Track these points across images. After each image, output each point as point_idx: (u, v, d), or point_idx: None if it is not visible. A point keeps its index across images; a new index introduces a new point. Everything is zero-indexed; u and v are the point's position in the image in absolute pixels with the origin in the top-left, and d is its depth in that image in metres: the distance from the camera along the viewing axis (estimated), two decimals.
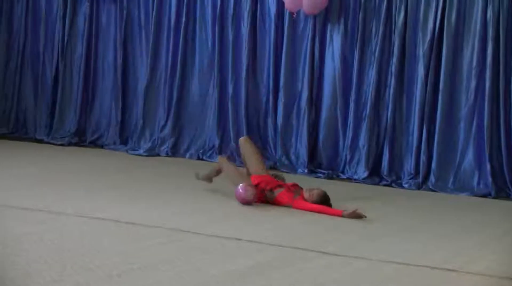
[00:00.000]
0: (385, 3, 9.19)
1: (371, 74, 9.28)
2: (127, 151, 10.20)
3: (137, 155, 10.05)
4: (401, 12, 9.13)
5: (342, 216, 6.92)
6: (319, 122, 9.61)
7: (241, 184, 7.21)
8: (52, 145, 10.39)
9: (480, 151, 8.90)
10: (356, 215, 6.90)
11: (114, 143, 10.41)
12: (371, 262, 5.56)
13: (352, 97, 9.37)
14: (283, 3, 9.47)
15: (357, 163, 9.32)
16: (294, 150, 9.66)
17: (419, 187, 8.95)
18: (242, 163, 8.02)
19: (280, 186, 7.35)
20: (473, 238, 6.58)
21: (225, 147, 9.94)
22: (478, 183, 8.87)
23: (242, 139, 8.01)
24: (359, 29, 9.31)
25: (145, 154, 10.06)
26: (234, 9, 9.84)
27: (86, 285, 4.57)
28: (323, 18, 9.49)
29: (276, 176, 7.71)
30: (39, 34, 10.80)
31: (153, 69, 10.29)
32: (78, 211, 6.51)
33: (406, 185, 9.01)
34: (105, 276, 4.78)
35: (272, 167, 9.28)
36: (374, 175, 9.23)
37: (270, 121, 9.80)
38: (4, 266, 4.85)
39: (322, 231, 6.50)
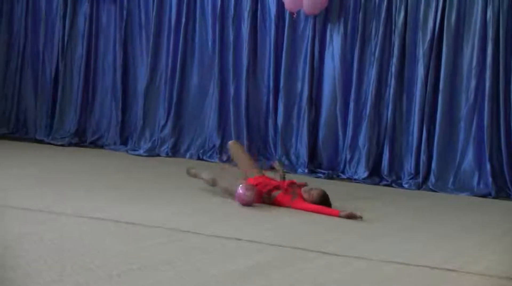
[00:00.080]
0: (385, 3, 9.19)
1: (371, 74, 9.28)
2: (127, 151, 10.20)
3: (137, 155, 10.05)
4: (401, 12, 9.13)
5: (339, 216, 6.92)
6: (319, 122, 9.62)
7: (241, 185, 7.20)
8: (52, 145, 10.40)
9: (480, 151, 8.90)
10: (353, 216, 6.90)
11: (114, 144, 10.42)
12: (371, 262, 5.56)
13: (352, 97, 9.38)
14: (283, 3, 9.47)
15: (357, 163, 9.33)
16: (294, 150, 9.66)
17: (419, 187, 8.95)
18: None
19: (277, 188, 7.32)
20: (473, 238, 6.58)
21: (225, 147, 9.93)
22: (478, 183, 8.87)
23: (231, 143, 8.01)
24: (359, 29, 9.31)
25: (145, 154, 10.07)
26: (235, 9, 9.84)
27: (86, 285, 4.57)
28: (323, 18, 9.49)
29: (272, 169, 7.65)
30: (39, 34, 10.80)
31: (153, 69, 10.29)
32: (78, 211, 6.51)
33: (406, 185, 9.02)
34: (105, 276, 4.78)
35: (273, 167, 9.26)
36: (374, 175, 9.24)
37: (270, 121, 9.80)
38: (4, 266, 4.85)
39: (322, 231, 6.50)
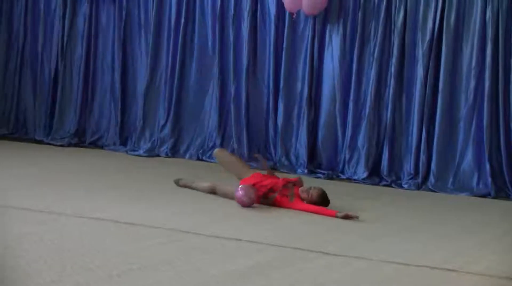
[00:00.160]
0: (384, 3, 9.19)
1: (371, 75, 9.29)
2: (126, 151, 10.20)
3: (137, 155, 10.05)
4: (400, 12, 9.13)
5: (336, 216, 6.92)
6: (319, 123, 9.62)
7: (240, 186, 7.19)
8: (51, 145, 10.39)
9: (480, 151, 8.91)
10: (349, 217, 6.90)
11: (114, 144, 10.41)
12: (371, 262, 5.56)
13: (352, 97, 9.38)
14: (283, 4, 9.47)
15: (357, 164, 9.33)
16: (294, 151, 9.66)
17: (418, 187, 8.95)
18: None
19: (272, 189, 7.29)
20: (473, 238, 6.58)
21: (225, 147, 9.93)
22: (478, 183, 8.88)
23: (217, 151, 7.94)
24: (359, 29, 9.31)
25: (145, 154, 10.07)
26: (234, 9, 9.84)
27: (86, 285, 4.57)
28: (323, 19, 9.50)
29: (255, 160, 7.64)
30: (39, 34, 10.80)
31: (153, 69, 10.29)
32: (78, 212, 6.51)
33: (405, 185, 9.02)
34: (105, 276, 4.78)
35: (272, 168, 9.28)
36: (374, 175, 9.24)
37: (270, 121, 9.80)
38: (4, 266, 4.85)
39: (322, 231, 6.50)
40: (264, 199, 7.26)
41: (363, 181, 9.16)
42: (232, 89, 9.93)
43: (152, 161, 9.83)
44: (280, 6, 9.61)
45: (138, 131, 10.35)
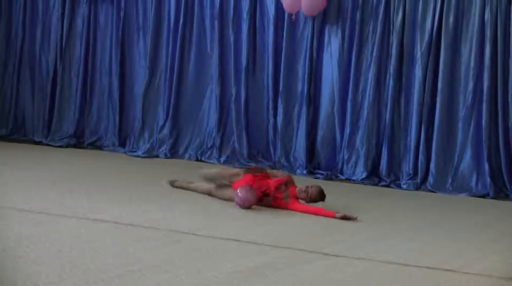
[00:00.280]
0: (383, 4, 9.19)
1: (370, 75, 9.29)
2: (126, 152, 10.20)
3: (136, 156, 10.05)
4: (399, 13, 9.13)
5: (334, 217, 6.92)
6: (318, 123, 9.62)
7: (239, 188, 7.17)
8: (50, 147, 10.38)
9: (479, 151, 8.91)
10: (347, 217, 6.90)
11: (113, 145, 10.41)
12: (371, 263, 5.56)
13: (350, 98, 9.38)
14: (281, 5, 9.47)
15: (356, 164, 9.33)
16: (293, 151, 9.66)
17: (417, 188, 8.96)
18: (242, 166, 8.01)
19: (266, 194, 7.27)
20: (472, 239, 6.58)
21: (225, 147, 9.94)
22: (477, 184, 8.88)
23: (202, 176, 7.75)
24: (357, 30, 9.31)
25: (144, 155, 10.06)
26: (234, 10, 9.83)
27: None
28: (322, 20, 9.50)
29: (257, 170, 7.55)
30: (37, 35, 10.79)
31: (152, 70, 10.29)
32: (77, 213, 6.50)
33: (404, 186, 9.02)
34: (104, 277, 4.78)
35: (271, 168, 9.27)
36: (373, 175, 9.24)
37: (270, 122, 9.79)
38: (4, 268, 4.85)
39: (322, 232, 6.50)
40: (260, 202, 7.25)
41: (362, 181, 9.16)
42: (231, 90, 9.92)
43: (151, 162, 9.83)
44: (279, 7, 9.61)
45: (137, 132, 10.35)
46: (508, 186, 8.78)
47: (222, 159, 9.83)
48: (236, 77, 9.89)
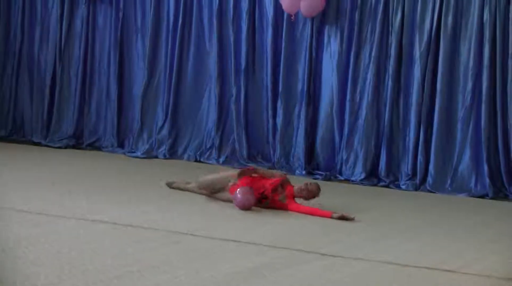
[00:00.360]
0: (381, 4, 9.19)
1: (369, 76, 9.29)
2: (124, 153, 10.19)
3: (135, 157, 10.04)
4: (398, 13, 9.13)
5: (331, 217, 6.93)
6: (317, 124, 9.62)
7: (238, 190, 7.16)
8: (49, 148, 10.38)
9: (478, 152, 8.91)
10: (345, 217, 6.90)
11: (112, 146, 10.40)
12: (370, 263, 5.56)
13: (350, 98, 9.37)
14: (280, 5, 9.47)
15: (355, 165, 9.33)
16: (293, 151, 9.66)
17: (416, 188, 8.96)
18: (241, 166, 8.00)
19: (265, 197, 7.26)
20: (472, 239, 6.59)
21: (224, 147, 9.93)
22: (476, 184, 8.88)
23: (198, 182, 7.73)
24: (356, 30, 9.31)
25: (143, 156, 10.06)
26: (233, 11, 9.83)
27: None
28: (321, 20, 9.50)
29: (251, 171, 7.52)
30: (36, 36, 10.79)
31: (151, 71, 10.28)
32: (76, 214, 6.50)
33: (403, 186, 9.02)
34: (103, 278, 4.78)
35: (270, 169, 9.27)
36: (372, 176, 9.24)
37: (269, 122, 9.79)
38: (3, 269, 4.85)
39: (320, 232, 6.50)
40: (259, 203, 7.25)
41: (361, 182, 9.16)
42: (230, 90, 9.92)
43: (150, 162, 9.82)
44: (278, 7, 9.61)
45: (136, 133, 10.35)
46: (507, 187, 8.78)
47: (221, 160, 9.83)
48: (235, 78, 9.89)
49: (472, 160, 8.93)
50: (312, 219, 6.93)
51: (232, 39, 9.86)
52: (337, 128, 9.49)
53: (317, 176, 9.28)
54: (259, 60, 9.85)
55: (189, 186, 7.81)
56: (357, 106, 9.37)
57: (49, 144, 10.49)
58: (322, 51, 9.56)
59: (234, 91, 9.89)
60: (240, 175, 7.33)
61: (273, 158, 9.72)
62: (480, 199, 8.62)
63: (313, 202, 7.25)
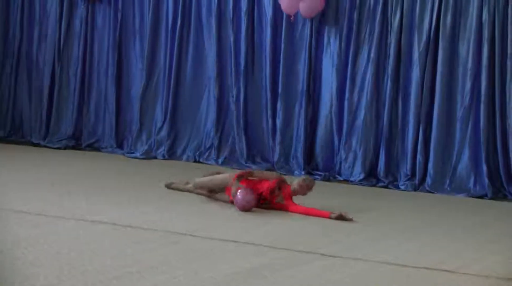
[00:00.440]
0: (380, 5, 9.19)
1: (368, 76, 9.28)
2: (124, 154, 10.19)
3: (134, 158, 10.04)
4: (396, 14, 9.13)
5: (330, 218, 6.93)
6: (317, 124, 9.62)
7: (239, 191, 7.15)
8: (48, 148, 10.37)
9: (476, 152, 8.91)
10: (343, 217, 6.91)
11: (111, 146, 10.40)
12: (369, 263, 5.57)
13: (349, 99, 9.37)
14: (279, 5, 9.47)
15: (353, 165, 9.33)
16: (292, 152, 9.66)
17: (415, 189, 8.95)
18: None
19: (264, 198, 7.26)
20: (471, 239, 6.59)
21: (223, 148, 9.93)
22: (475, 184, 8.88)
23: (196, 183, 7.75)
24: (355, 31, 9.31)
25: (142, 157, 10.06)
26: (233, 11, 9.82)
27: None
28: (320, 21, 9.50)
29: (246, 174, 7.52)
30: (35, 36, 10.78)
31: (150, 72, 10.28)
32: (75, 215, 6.51)
33: (402, 187, 9.02)
34: (102, 279, 4.78)
35: (269, 169, 9.28)
36: (371, 176, 9.24)
37: (268, 122, 9.78)
38: (2, 269, 4.85)
39: (319, 233, 6.50)
40: (259, 204, 7.25)
41: (360, 182, 9.16)
42: (229, 91, 9.92)
43: (149, 163, 9.82)
44: (276, 8, 9.61)
45: (135, 134, 10.34)
46: (506, 187, 8.78)
47: (220, 160, 9.83)
48: (235, 78, 9.88)
49: (471, 160, 8.93)
50: (311, 220, 6.93)
51: (231, 39, 9.86)
52: (336, 129, 9.49)
53: (316, 177, 9.27)
54: (258, 61, 9.85)
55: (188, 186, 7.82)
56: (356, 106, 9.37)
57: (48, 144, 10.48)
58: (322, 52, 9.56)
59: (233, 91, 9.89)
60: (239, 178, 7.33)
61: (272, 159, 9.72)
62: (479, 199, 8.62)
63: (312, 203, 7.25)
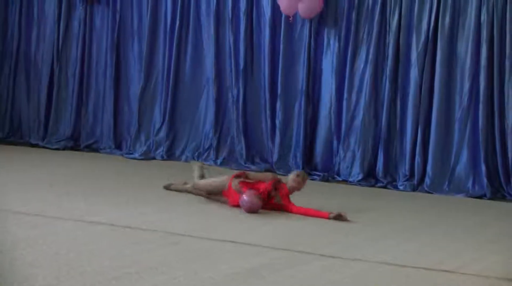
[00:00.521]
0: (379, 5, 9.20)
1: (366, 76, 9.28)
2: (122, 155, 10.19)
3: (132, 158, 10.04)
4: (395, 14, 9.13)
5: (328, 218, 6.93)
6: (316, 125, 9.62)
7: (245, 193, 7.14)
8: (47, 149, 10.36)
9: (475, 152, 8.92)
10: (341, 218, 6.91)
11: (110, 147, 10.40)
12: (368, 264, 5.56)
13: (347, 99, 9.37)
14: (278, 6, 9.47)
15: (352, 165, 9.33)
16: (291, 152, 9.66)
17: (414, 189, 8.96)
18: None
19: (262, 200, 7.27)
20: (470, 239, 6.59)
21: (222, 148, 9.93)
22: (473, 185, 8.88)
23: (191, 187, 7.73)
24: (354, 32, 9.31)
25: (140, 157, 10.06)
26: (232, 12, 9.82)
27: None
28: (319, 22, 9.50)
29: (242, 175, 7.52)
30: (33, 37, 10.78)
31: (148, 72, 10.28)
32: (74, 215, 6.50)
33: (401, 187, 9.02)
34: (101, 280, 4.78)
35: (268, 170, 9.28)
36: (370, 177, 9.24)
37: (267, 123, 9.78)
38: (1, 270, 4.84)
39: (319, 233, 6.50)
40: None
41: (359, 182, 9.16)
42: (228, 91, 9.92)
43: (148, 164, 9.82)
44: (275, 8, 9.61)
45: (133, 134, 10.34)
46: (504, 187, 8.78)
47: (219, 161, 9.83)
48: (233, 79, 9.88)
49: (469, 160, 8.93)
50: (311, 220, 6.93)
51: (230, 40, 9.86)
52: (334, 129, 9.49)
53: (315, 177, 9.28)
54: (257, 61, 9.85)
55: (186, 186, 7.81)
56: (355, 106, 9.37)
57: (46, 145, 10.48)
58: (321, 52, 9.56)
59: (232, 92, 9.89)
60: (237, 178, 7.32)
61: (271, 159, 9.72)
62: (478, 200, 8.63)
63: (311, 203, 7.25)
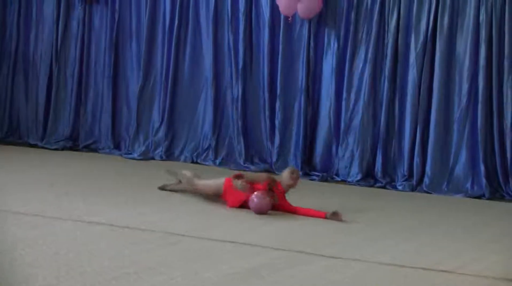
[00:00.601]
0: (377, 5, 9.20)
1: (365, 76, 9.29)
2: (121, 155, 10.19)
3: (131, 159, 10.03)
4: (394, 14, 9.14)
5: (326, 217, 6.94)
6: (316, 125, 9.62)
7: (255, 194, 7.13)
8: (46, 149, 10.36)
9: (474, 152, 8.92)
10: (338, 217, 6.91)
11: (108, 147, 10.39)
12: (367, 264, 5.57)
13: (346, 99, 9.38)
14: (277, 6, 9.47)
15: (351, 165, 9.33)
16: (290, 153, 9.66)
17: (413, 189, 8.96)
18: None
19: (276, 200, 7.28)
20: (469, 240, 6.59)
21: (220, 149, 9.92)
22: (472, 185, 8.88)
23: (187, 183, 7.75)
24: (353, 32, 9.31)
25: (139, 157, 10.06)
26: (231, 12, 9.82)
27: None
28: (318, 22, 9.50)
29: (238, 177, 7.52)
30: (32, 38, 10.77)
31: (147, 72, 10.27)
32: (73, 216, 6.50)
33: (400, 187, 9.03)
34: (101, 280, 4.78)
35: (267, 170, 9.27)
36: (368, 177, 9.24)
37: (266, 123, 9.78)
38: (0, 271, 4.84)
39: (318, 233, 6.50)
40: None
41: (358, 183, 9.16)
42: (227, 91, 9.92)
43: (146, 164, 9.82)
44: (274, 8, 9.61)
45: (132, 135, 10.34)
46: (503, 187, 8.79)
47: (218, 161, 9.83)
48: (232, 79, 9.88)
49: (468, 160, 8.93)
50: (310, 220, 6.93)
51: (229, 40, 9.86)
52: (333, 129, 9.49)
53: (314, 177, 9.29)
54: (256, 61, 9.85)
55: (181, 185, 7.79)
56: (353, 107, 9.37)
57: (45, 146, 10.46)
58: (320, 52, 9.56)
59: (231, 92, 9.89)
60: (237, 178, 7.32)
61: (270, 159, 9.72)
62: (477, 200, 8.63)
63: (310, 203, 7.25)
